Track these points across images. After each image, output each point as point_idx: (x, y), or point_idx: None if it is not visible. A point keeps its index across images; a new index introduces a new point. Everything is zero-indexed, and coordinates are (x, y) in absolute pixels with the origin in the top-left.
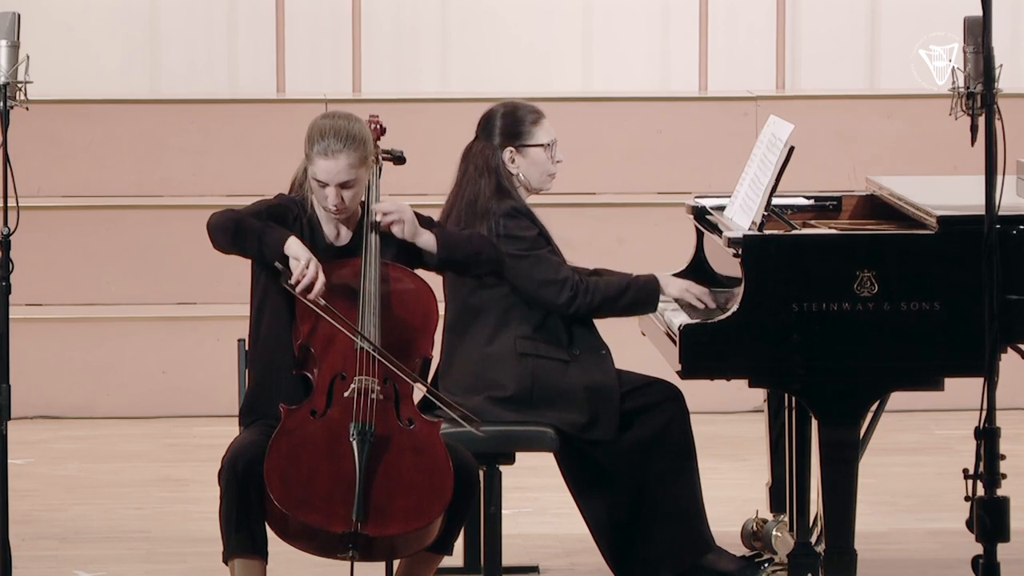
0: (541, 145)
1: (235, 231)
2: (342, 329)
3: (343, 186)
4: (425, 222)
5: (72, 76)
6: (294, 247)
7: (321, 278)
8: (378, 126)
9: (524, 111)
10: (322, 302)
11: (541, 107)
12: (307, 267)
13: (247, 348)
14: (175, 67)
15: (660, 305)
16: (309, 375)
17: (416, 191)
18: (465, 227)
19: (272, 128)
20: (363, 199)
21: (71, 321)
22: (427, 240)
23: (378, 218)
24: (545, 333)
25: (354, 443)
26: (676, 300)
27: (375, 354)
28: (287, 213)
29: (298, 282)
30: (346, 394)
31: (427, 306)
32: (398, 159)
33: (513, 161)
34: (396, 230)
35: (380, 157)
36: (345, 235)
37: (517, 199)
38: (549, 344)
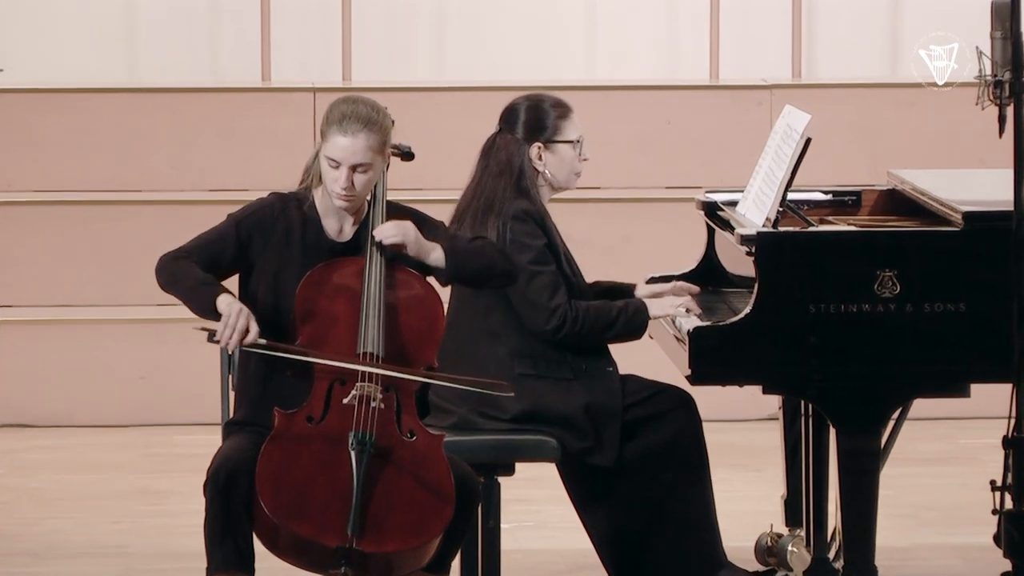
0: (570, 141)
1: (169, 286)
2: (332, 364)
3: (356, 169)
4: (435, 228)
5: (45, 63)
6: (222, 304)
7: (253, 328)
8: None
9: (550, 104)
10: (262, 342)
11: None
12: (228, 324)
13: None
14: (154, 54)
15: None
16: (305, 379)
17: (410, 185)
18: (480, 227)
19: (257, 119)
20: (368, 197)
21: (45, 323)
22: (436, 257)
23: (379, 239)
24: (548, 345)
25: (352, 453)
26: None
27: (377, 370)
28: (265, 218)
29: (226, 344)
30: (346, 401)
31: (433, 312)
32: (406, 155)
33: (540, 158)
34: (402, 251)
35: (388, 152)
36: (348, 231)
37: (534, 200)
38: (550, 361)
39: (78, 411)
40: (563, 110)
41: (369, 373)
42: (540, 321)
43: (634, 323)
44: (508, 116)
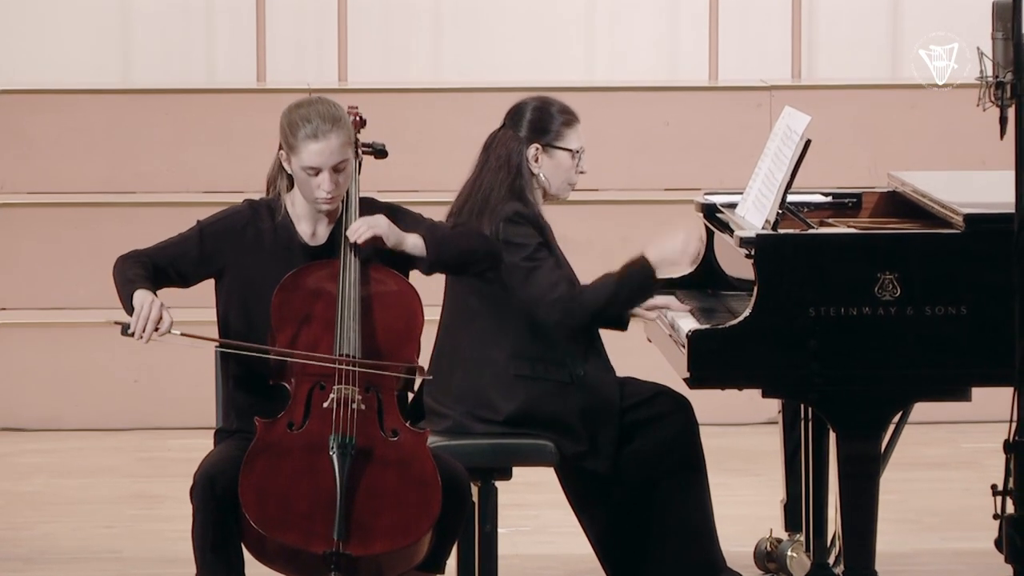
0: (569, 150)
1: (115, 286)
2: (294, 359)
3: (336, 169)
4: (413, 219)
5: (39, 65)
6: (136, 298)
7: (167, 317)
8: (357, 117)
9: (557, 109)
10: (177, 332)
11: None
12: (140, 315)
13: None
14: (149, 55)
15: (668, 312)
16: (286, 385)
17: (406, 187)
18: (475, 224)
19: (253, 120)
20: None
21: (37, 326)
22: (414, 244)
23: (353, 239)
24: (545, 348)
25: (334, 457)
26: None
27: (347, 367)
28: (233, 225)
29: (140, 335)
30: (325, 405)
31: (411, 309)
32: (379, 153)
33: (537, 160)
34: (380, 244)
35: (360, 151)
36: (322, 234)
37: (527, 201)
38: (548, 363)
39: (71, 414)
40: (569, 117)
41: (346, 375)
42: (543, 315)
43: (639, 283)
44: (514, 114)
